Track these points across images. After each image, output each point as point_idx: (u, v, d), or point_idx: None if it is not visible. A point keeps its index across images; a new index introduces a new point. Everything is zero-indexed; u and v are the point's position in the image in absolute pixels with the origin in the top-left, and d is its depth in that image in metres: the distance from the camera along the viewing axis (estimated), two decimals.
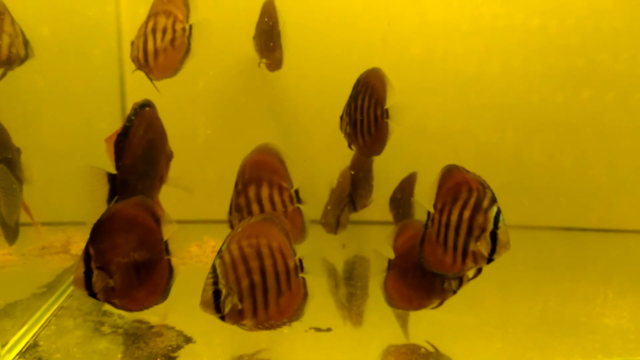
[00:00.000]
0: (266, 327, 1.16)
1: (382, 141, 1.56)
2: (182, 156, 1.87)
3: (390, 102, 1.55)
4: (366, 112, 1.53)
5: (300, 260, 1.17)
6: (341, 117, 1.58)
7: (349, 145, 1.60)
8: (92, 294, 1.17)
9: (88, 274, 1.15)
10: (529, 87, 2.15)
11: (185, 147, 1.93)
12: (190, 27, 1.56)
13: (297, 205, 1.36)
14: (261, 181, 1.36)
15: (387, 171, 1.87)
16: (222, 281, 1.11)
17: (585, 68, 2.13)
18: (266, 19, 1.77)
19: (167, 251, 1.25)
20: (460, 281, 1.33)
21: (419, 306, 1.36)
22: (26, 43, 1.55)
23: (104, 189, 1.34)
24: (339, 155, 1.91)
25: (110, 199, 1.35)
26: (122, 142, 1.36)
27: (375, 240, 1.86)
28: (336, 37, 2.03)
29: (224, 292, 1.11)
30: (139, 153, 1.39)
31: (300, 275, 1.18)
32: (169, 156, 1.49)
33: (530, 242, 2.10)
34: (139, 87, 1.64)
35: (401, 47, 2.10)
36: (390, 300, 1.38)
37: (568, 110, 2.15)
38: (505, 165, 2.18)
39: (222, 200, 1.79)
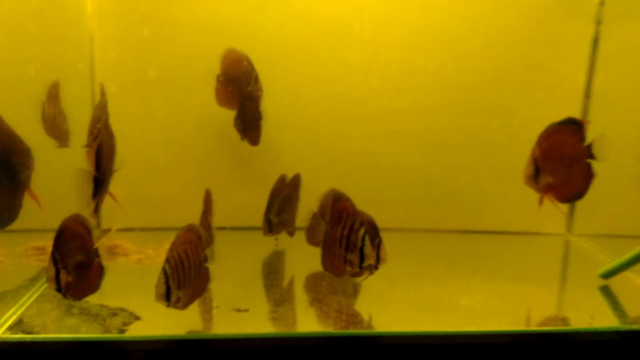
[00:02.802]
0: (187, 305, 1.49)
1: (257, 136, 2.09)
2: (144, 173, 2.14)
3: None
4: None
5: (206, 255, 1.52)
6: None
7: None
8: (58, 289, 1.44)
9: (57, 273, 1.42)
10: (431, 117, 2.35)
11: (147, 167, 2.18)
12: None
13: None
14: None
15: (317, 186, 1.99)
16: (170, 279, 1.43)
17: (475, 101, 2.34)
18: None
19: (97, 254, 1.52)
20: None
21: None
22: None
23: (90, 186, 1.65)
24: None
25: (94, 193, 1.66)
26: (99, 149, 1.66)
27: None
28: (273, 77, 2.15)
29: (172, 287, 1.44)
30: (106, 157, 1.71)
31: (205, 265, 1.53)
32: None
33: (433, 242, 2.37)
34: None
35: (328, 86, 2.29)
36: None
37: (463, 135, 2.36)
38: (414, 179, 2.39)
39: (177, 212, 2.01)
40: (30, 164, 1.70)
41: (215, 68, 2.11)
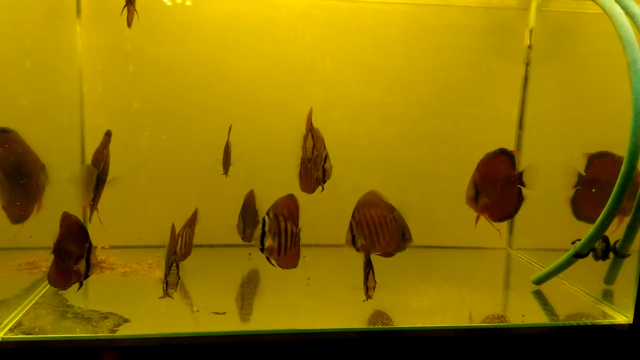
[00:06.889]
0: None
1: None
2: (127, 196, 2.24)
3: None
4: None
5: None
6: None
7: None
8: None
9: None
10: (385, 144, 2.48)
11: (129, 191, 2.25)
12: None
13: None
14: None
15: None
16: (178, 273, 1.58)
17: (423, 131, 2.49)
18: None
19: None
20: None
21: None
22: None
23: (94, 181, 1.79)
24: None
25: (96, 188, 1.80)
26: (102, 155, 1.82)
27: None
28: (246, 110, 2.29)
29: (179, 280, 1.59)
30: (106, 164, 1.86)
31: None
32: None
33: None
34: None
35: (294, 117, 2.19)
36: None
37: (413, 160, 2.50)
38: None
39: (157, 231, 2.10)
40: (44, 179, 1.82)
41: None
